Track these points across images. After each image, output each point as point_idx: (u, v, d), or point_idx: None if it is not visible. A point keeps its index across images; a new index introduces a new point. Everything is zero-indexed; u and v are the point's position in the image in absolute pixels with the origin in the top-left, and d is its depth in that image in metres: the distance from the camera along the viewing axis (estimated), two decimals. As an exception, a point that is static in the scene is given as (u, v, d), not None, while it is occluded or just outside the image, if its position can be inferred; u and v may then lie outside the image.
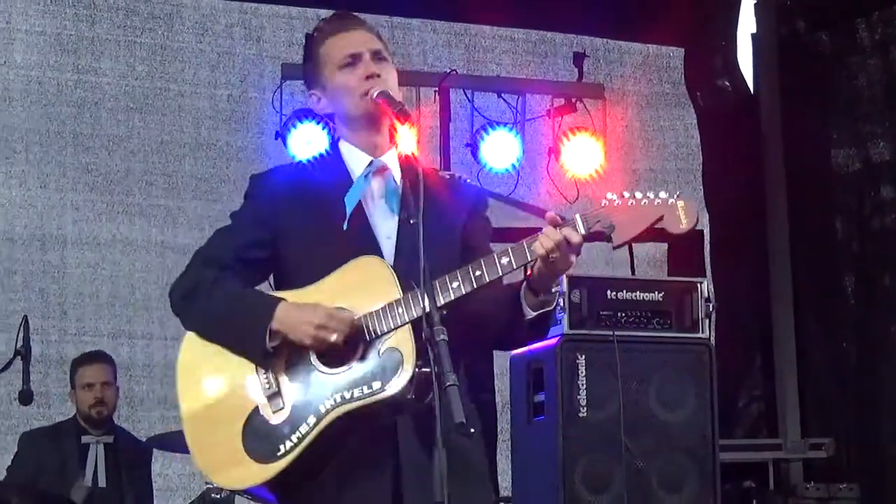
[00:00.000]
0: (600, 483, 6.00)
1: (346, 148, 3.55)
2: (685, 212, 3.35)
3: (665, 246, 8.26)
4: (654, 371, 6.14)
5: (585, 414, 6.02)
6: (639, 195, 3.34)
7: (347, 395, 3.24)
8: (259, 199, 3.52)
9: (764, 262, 8.29)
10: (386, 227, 3.43)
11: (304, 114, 7.08)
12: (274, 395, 3.30)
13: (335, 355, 3.30)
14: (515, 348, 5.55)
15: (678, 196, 3.36)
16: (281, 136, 7.14)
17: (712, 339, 6.36)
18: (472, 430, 3.05)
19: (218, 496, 5.51)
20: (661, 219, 3.33)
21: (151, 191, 7.61)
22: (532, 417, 6.23)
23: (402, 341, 3.24)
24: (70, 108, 7.53)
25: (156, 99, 7.68)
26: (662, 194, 3.35)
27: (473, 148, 7.56)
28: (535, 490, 6.27)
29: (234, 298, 3.39)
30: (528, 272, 3.36)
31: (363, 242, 3.38)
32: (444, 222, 3.41)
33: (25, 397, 5.64)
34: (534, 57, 8.34)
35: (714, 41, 8.57)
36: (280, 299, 3.32)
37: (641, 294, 6.32)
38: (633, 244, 8.30)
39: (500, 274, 3.27)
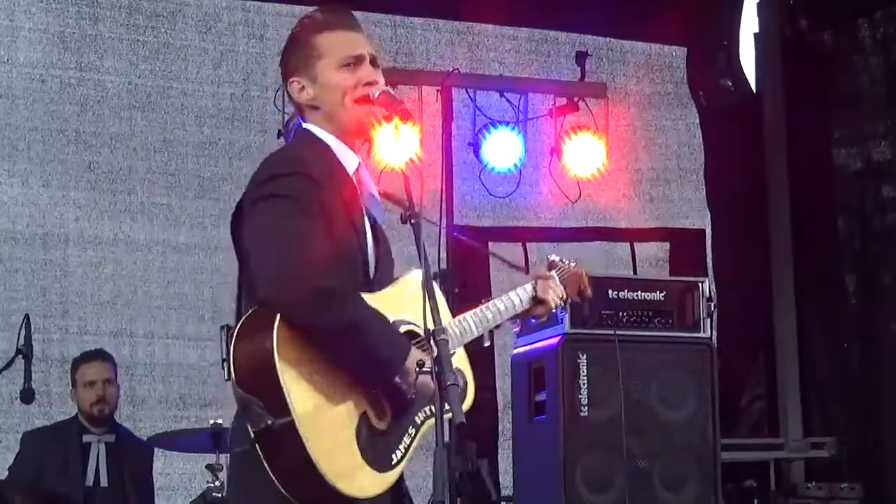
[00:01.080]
0: (601, 482, 6.01)
1: (333, 142, 3.50)
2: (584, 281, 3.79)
3: (667, 245, 8.28)
4: (655, 370, 6.17)
5: (586, 413, 6.03)
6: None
7: (428, 412, 3.31)
8: (311, 182, 3.33)
9: (766, 261, 8.31)
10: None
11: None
12: (375, 400, 3.28)
13: None
14: None
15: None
16: (283, 135, 7.14)
17: (714, 338, 6.37)
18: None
19: (219, 495, 5.50)
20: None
21: (154, 189, 7.59)
22: (533, 416, 6.24)
23: (461, 360, 3.42)
24: (73, 107, 7.51)
25: (158, 97, 7.67)
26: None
27: (475, 147, 7.54)
28: (537, 489, 6.27)
29: (375, 317, 3.28)
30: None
31: (360, 240, 3.40)
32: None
33: (27, 396, 5.65)
34: (536, 56, 8.33)
35: (717, 40, 8.59)
36: (411, 346, 3.29)
37: (643, 293, 6.34)
38: (635, 244, 8.42)
39: (488, 325, 3.58)
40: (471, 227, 7.44)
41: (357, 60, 3.47)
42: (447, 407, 3.03)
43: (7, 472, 6.32)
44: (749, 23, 8.53)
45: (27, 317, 5.74)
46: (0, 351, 6.26)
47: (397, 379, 3.26)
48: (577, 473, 5.98)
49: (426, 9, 7.95)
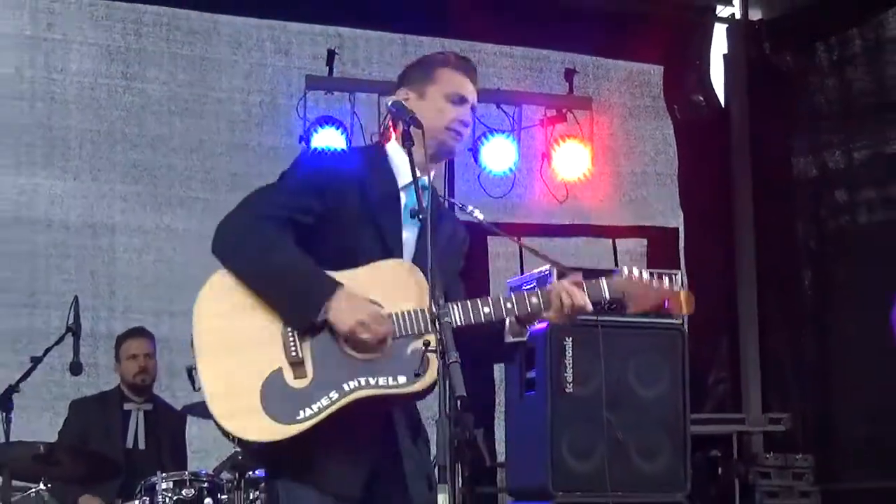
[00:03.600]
0: (584, 451, 5.99)
1: (396, 153, 3.48)
2: (686, 301, 3.41)
3: (644, 242, 8.26)
4: (632, 352, 6.14)
5: (571, 390, 6.00)
6: (648, 276, 3.40)
7: (372, 381, 3.22)
8: (316, 172, 3.44)
9: (731, 257, 8.31)
10: (407, 238, 3.42)
11: (325, 121, 7.12)
12: (298, 362, 3.22)
13: (362, 342, 3.26)
14: (484, 364, 5.56)
15: (683, 287, 3.48)
16: (304, 139, 7.16)
17: (685, 325, 6.33)
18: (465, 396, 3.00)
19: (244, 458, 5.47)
20: (666, 301, 3.40)
21: (191, 185, 7.57)
22: (524, 392, 6.22)
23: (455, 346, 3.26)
24: (119, 112, 7.49)
25: (195, 104, 7.64)
26: (667, 281, 3.41)
27: (475, 152, 7.53)
28: (526, 457, 6.25)
29: (299, 262, 3.29)
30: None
31: (392, 244, 3.37)
32: (448, 252, 3.43)
33: (76, 369, 5.60)
34: (529, 72, 8.29)
35: (690, 60, 8.55)
36: (341, 283, 3.24)
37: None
38: (616, 240, 8.40)
39: (501, 316, 3.33)
40: (469, 223, 7.48)
41: (462, 101, 3.48)
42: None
43: (57, 436, 6.29)
44: (718, 45, 8.51)
45: (76, 298, 5.68)
46: (54, 328, 6.21)
47: (318, 317, 3.21)
48: (562, 443, 5.97)
49: (433, 29, 7.87)
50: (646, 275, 3.40)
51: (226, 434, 3.25)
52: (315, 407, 3.19)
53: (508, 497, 6.69)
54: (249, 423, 3.19)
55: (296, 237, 3.32)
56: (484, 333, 3.36)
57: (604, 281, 3.36)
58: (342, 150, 3.95)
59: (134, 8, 7.46)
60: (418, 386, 3.22)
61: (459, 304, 3.27)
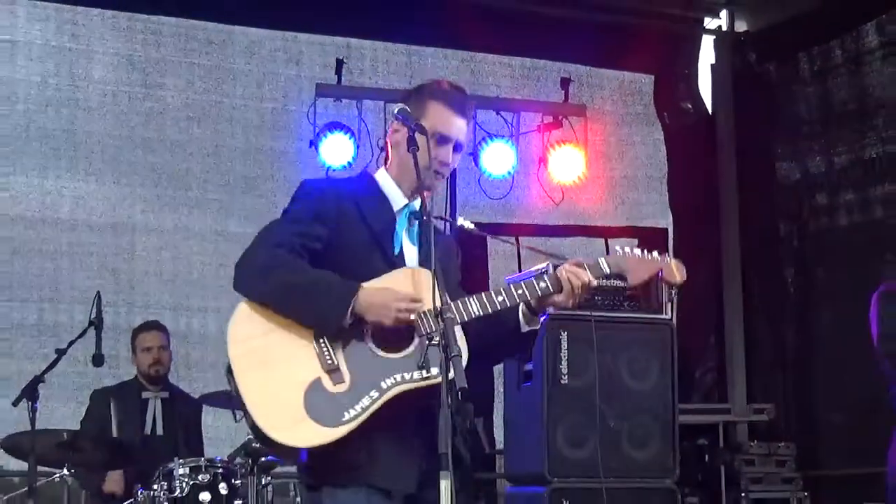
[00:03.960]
0: (578, 440, 5.99)
1: (385, 181, 3.50)
2: (677, 269, 3.53)
3: (635, 241, 8.19)
4: (624, 346, 6.13)
5: (566, 381, 6.00)
6: (639, 252, 3.50)
7: (407, 377, 3.22)
8: (319, 201, 3.43)
9: (718, 256, 8.27)
10: (410, 255, 3.44)
11: (334, 126, 7.14)
12: (334, 369, 3.24)
13: (390, 342, 3.27)
14: (502, 359, 5.50)
15: (672, 257, 3.57)
16: (314, 144, 7.17)
17: (674, 319, 6.32)
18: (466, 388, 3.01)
19: (257, 446, 5.45)
20: (661, 270, 3.50)
21: (207, 187, 7.60)
22: (521, 384, 6.22)
23: (460, 337, 3.23)
24: (139, 117, 7.51)
25: (211, 110, 7.67)
26: (656, 254, 3.51)
27: (475, 156, 7.53)
28: (523, 445, 6.25)
29: (317, 276, 3.30)
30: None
31: (399, 262, 3.39)
32: (447, 268, 3.40)
33: (98, 360, 5.62)
34: (527, 81, 8.29)
35: (679, 70, 8.54)
36: (360, 283, 3.26)
37: (615, 281, 6.13)
38: (608, 239, 8.37)
39: (515, 302, 3.34)
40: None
41: (444, 140, 3.43)
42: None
43: (79, 425, 6.31)
44: (706, 55, 8.48)
45: (98, 293, 5.70)
46: (77, 322, 6.24)
47: (347, 319, 3.22)
48: (557, 432, 5.96)
49: (436, 40, 7.92)
50: (637, 251, 3.48)
51: (272, 445, 3.24)
52: (358, 407, 3.19)
53: (506, 482, 6.68)
54: (298, 432, 3.20)
55: (310, 262, 3.33)
56: (503, 325, 3.40)
57: (602, 259, 3.43)
58: (337, 178, 3.96)
59: (153, 19, 7.47)
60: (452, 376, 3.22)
61: (475, 296, 3.29)
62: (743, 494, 7.39)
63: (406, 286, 3.30)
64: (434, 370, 3.20)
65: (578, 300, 3.35)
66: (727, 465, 7.47)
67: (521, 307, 3.41)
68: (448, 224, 3.84)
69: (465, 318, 3.28)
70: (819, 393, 7.84)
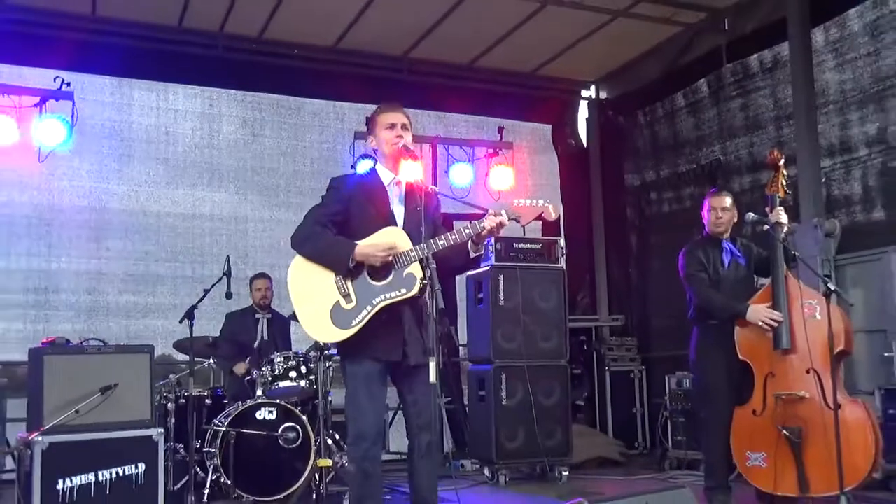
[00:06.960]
0: (510, 338, 6.13)
1: (380, 169, 3.33)
2: (554, 210, 3.20)
3: (541, 223, 8.51)
4: (536, 282, 6.25)
5: (503, 304, 6.14)
6: (529, 201, 3.18)
7: (388, 295, 3.12)
8: (339, 189, 3.28)
9: (590, 230, 8.44)
10: (398, 212, 3.29)
11: (364, 156, 7.18)
12: (346, 294, 3.11)
13: (379, 274, 3.13)
14: (463, 272, 5.39)
15: (547, 202, 3.22)
16: (353, 166, 7.27)
17: (565, 266, 6.43)
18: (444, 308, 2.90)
19: (323, 344, 5.40)
20: (541, 213, 3.19)
21: (290, 195, 7.67)
22: (477, 305, 6.33)
23: (415, 269, 3.13)
24: (249, 154, 7.57)
25: (291, 149, 7.71)
26: (540, 201, 3.20)
27: (447, 173, 7.71)
28: (478, 341, 6.35)
29: (334, 240, 3.17)
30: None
31: (390, 220, 3.24)
32: (427, 213, 3.25)
33: (228, 296, 5.52)
34: (478, 128, 8.36)
35: (566, 121, 8.68)
36: (356, 243, 3.13)
37: (530, 245, 6.41)
38: (525, 224, 8.78)
39: (464, 238, 3.12)
40: (445, 214, 7.74)
41: (393, 126, 3.27)
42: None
43: (219, 333, 6.28)
44: (583, 112, 8.65)
45: (228, 257, 5.63)
46: (215, 274, 6.04)
47: (350, 264, 3.05)
48: (497, 334, 6.07)
49: (420, 104, 7.93)
50: (524, 201, 3.18)
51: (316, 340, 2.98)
52: (360, 317, 3.10)
53: (468, 363, 6.71)
54: (325, 333, 3.12)
55: (337, 230, 3.19)
56: (459, 253, 3.22)
57: (503, 210, 3.15)
58: (354, 174, 3.91)
59: (258, 95, 7.59)
60: (413, 291, 3.12)
61: (442, 235, 3.12)
62: (606, 369, 7.65)
63: (388, 239, 3.12)
64: (403, 290, 3.08)
65: (498, 232, 3.12)
66: (597, 351, 7.75)
67: (469, 242, 3.20)
68: (434, 190, 3.60)
69: (435, 250, 3.06)
70: (651, 307, 8.02)
